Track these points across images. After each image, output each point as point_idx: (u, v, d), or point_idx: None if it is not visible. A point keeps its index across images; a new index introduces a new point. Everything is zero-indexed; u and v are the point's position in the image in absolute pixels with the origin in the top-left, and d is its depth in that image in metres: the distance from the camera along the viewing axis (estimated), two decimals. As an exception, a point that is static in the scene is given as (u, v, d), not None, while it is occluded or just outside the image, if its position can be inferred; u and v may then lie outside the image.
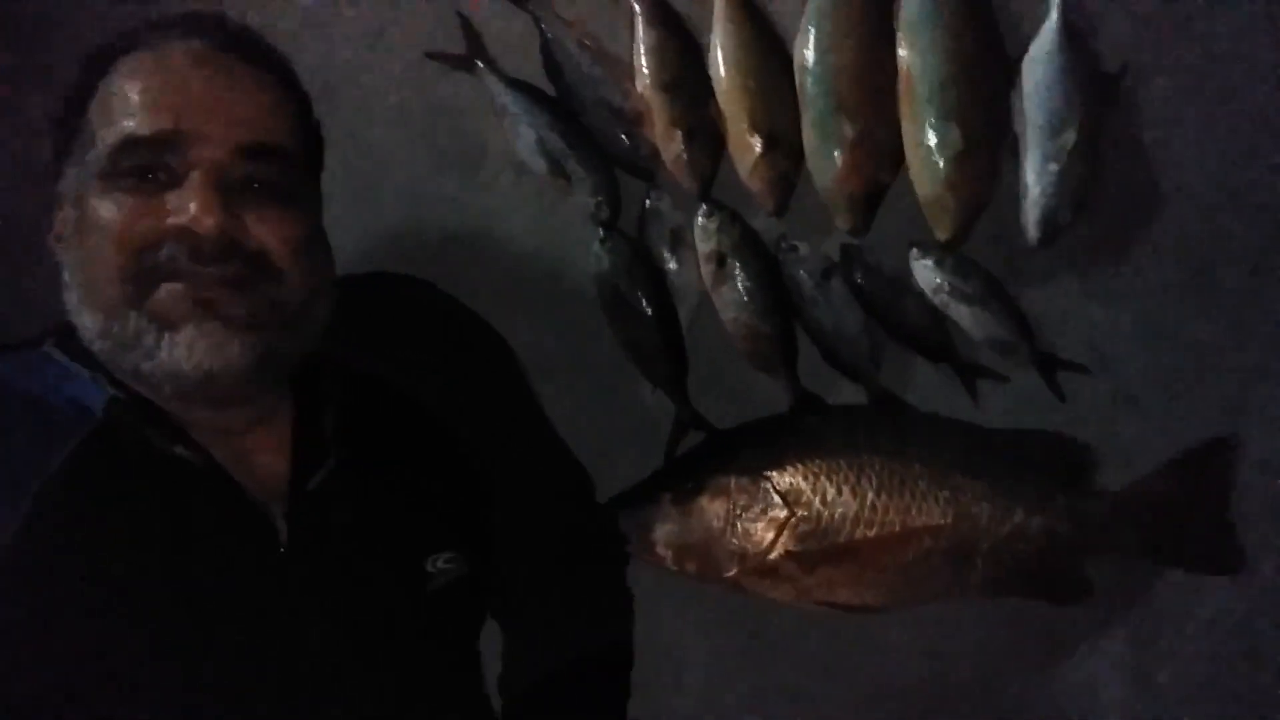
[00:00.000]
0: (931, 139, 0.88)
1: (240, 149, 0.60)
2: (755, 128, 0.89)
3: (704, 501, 0.88)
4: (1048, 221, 0.90)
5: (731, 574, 0.88)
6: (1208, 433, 0.94)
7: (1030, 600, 0.91)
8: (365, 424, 0.70)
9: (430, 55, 0.92)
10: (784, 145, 0.89)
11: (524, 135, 0.90)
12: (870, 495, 0.88)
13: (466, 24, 0.91)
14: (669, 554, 0.88)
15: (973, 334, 0.93)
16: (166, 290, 0.59)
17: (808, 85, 0.89)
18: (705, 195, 0.91)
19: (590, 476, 0.88)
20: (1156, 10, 0.90)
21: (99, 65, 0.62)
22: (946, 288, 0.92)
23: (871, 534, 0.87)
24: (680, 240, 0.92)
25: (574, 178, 0.90)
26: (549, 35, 0.90)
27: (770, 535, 0.87)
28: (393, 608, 0.68)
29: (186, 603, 0.60)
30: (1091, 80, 0.89)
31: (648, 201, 0.92)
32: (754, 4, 0.90)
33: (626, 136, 0.90)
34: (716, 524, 0.88)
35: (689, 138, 0.89)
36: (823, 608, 0.90)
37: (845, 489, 0.88)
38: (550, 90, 0.91)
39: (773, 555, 0.87)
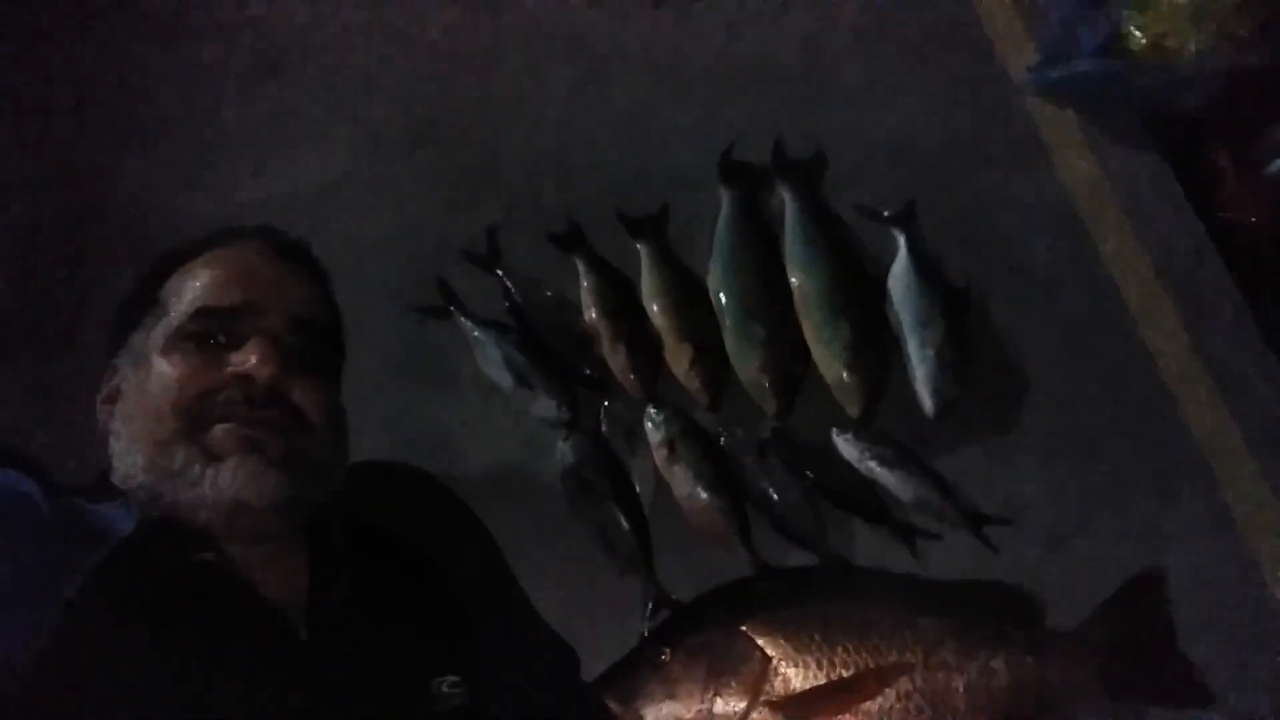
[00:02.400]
0: (827, 334, 1.08)
1: (293, 321, 0.73)
2: (685, 338, 1.08)
3: (682, 663, 0.90)
4: (938, 394, 1.07)
5: (719, 736, 0.87)
6: (1126, 566, 1.02)
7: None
8: (374, 561, 0.76)
9: (413, 308, 1.11)
10: (711, 350, 1.08)
11: (492, 356, 1.06)
12: (840, 638, 0.92)
13: (444, 284, 1.12)
14: (657, 725, 0.88)
15: (901, 496, 1.05)
16: (220, 429, 0.67)
17: (722, 303, 1.10)
18: (651, 396, 1.06)
19: (576, 652, 0.91)
20: (980, 241, 1.18)
21: (174, 260, 0.75)
22: (867, 455, 1.05)
23: (848, 674, 0.90)
24: (634, 435, 1.05)
25: (536, 386, 1.05)
26: (510, 286, 1.11)
27: (752, 686, 0.89)
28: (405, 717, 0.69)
29: (212, 694, 0.62)
30: (944, 289, 1.13)
31: (605, 404, 1.07)
32: (669, 251, 1.14)
33: (579, 354, 1.07)
34: (698, 684, 0.89)
35: (631, 350, 1.07)
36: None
37: (816, 634, 0.92)
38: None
39: (758, 710, 0.88)
